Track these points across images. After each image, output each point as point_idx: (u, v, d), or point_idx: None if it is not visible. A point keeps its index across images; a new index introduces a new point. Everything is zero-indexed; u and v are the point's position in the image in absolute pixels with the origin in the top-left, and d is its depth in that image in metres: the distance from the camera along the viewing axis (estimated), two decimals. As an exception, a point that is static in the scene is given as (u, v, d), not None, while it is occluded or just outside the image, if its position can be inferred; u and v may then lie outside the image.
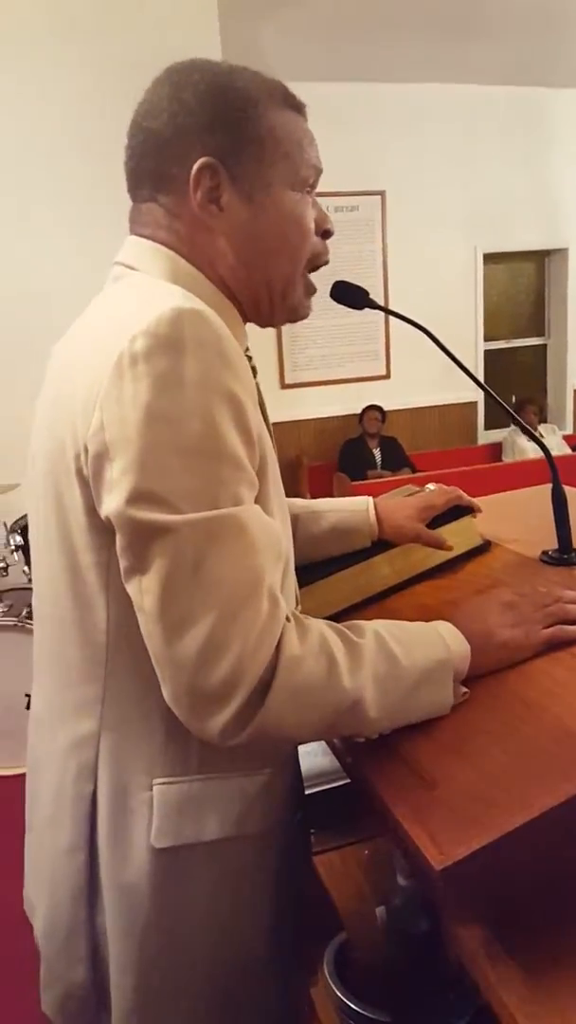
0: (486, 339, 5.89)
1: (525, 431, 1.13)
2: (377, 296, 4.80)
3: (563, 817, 0.62)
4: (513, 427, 5.63)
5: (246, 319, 0.83)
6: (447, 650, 0.74)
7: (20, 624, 2.79)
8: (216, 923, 0.79)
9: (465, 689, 0.76)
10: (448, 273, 5.61)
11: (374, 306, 0.98)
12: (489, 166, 5.52)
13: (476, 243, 5.64)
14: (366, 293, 0.98)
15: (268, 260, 0.79)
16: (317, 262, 0.84)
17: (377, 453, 5.24)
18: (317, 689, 0.67)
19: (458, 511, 1.08)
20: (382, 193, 5.32)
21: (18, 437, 3.64)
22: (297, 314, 0.85)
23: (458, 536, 1.07)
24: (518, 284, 6.09)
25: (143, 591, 0.65)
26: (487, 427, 5.98)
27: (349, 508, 1.06)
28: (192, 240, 0.77)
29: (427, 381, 5.45)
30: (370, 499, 1.07)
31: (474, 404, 5.87)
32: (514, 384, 6.08)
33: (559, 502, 0.98)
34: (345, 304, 0.98)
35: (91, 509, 0.69)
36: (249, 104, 0.75)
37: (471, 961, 0.66)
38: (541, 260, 6.07)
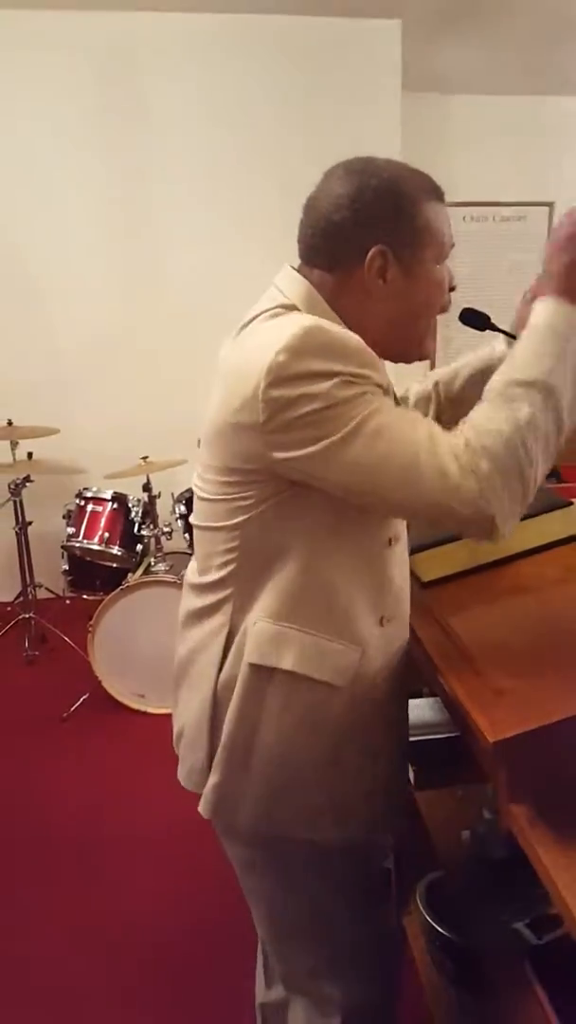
0: None
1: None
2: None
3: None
4: None
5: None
6: (552, 317, 0.95)
7: (179, 582, 3.15)
8: (277, 735, 1.05)
9: None
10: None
11: (496, 329, 1.19)
12: None
13: None
14: (488, 317, 1.19)
15: (414, 319, 1.05)
16: (444, 310, 1.09)
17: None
18: (510, 444, 0.89)
19: (561, 502, 1.28)
20: (551, 204, 5.35)
21: (189, 420, 4.08)
22: (425, 355, 1.10)
23: (562, 523, 1.27)
24: None
25: (357, 492, 0.94)
26: None
27: (477, 357, 1.30)
28: (352, 300, 1.02)
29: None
30: (499, 337, 1.26)
31: None
32: None
33: None
34: (472, 327, 1.20)
35: (233, 461, 0.99)
36: (414, 203, 1.00)
37: (517, 828, 0.88)
38: None
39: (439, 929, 1.52)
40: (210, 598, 1.09)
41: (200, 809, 1.10)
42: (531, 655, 0.96)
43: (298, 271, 1.07)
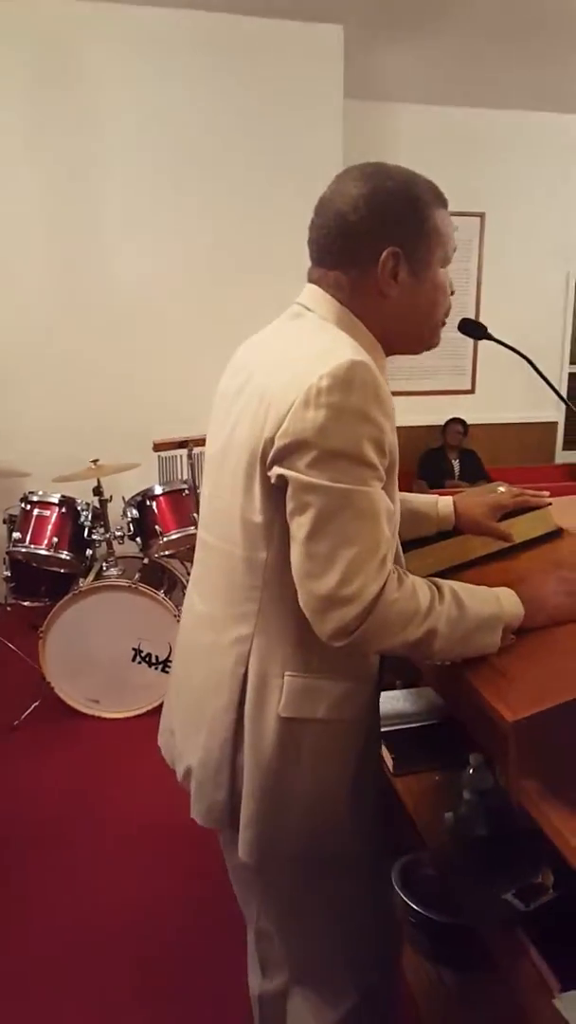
0: (572, 362, 6.06)
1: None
2: (468, 313, 5.13)
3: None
4: (592, 449, 5.80)
5: (390, 353, 1.14)
6: (500, 607, 1.05)
7: (133, 586, 3.15)
8: (313, 778, 1.09)
9: (512, 636, 1.06)
10: (539, 296, 5.83)
11: (494, 339, 1.27)
12: (587, 196, 5.71)
13: (569, 268, 5.84)
14: (485, 328, 1.28)
15: (422, 318, 1.11)
16: (447, 312, 1.15)
17: (456, 464, 5.48)
18: (402, 621, 0.97)
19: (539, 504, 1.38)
20: (482, 215, 5.57)
21: (142, 424, 4.11)
22: (431, 347, 1.17)
23: (536, 523, 1.37)
24: (608, 311, 6.23)
25: (299, 526, 0.96)
26: (565, 447, 6.15)
27: (424, 500, 1.40)
28: (365, 301, 1.07)
29: (510, 398, 5.69)
30: (446, 498, 1.40)
31: (554, 424, 6.06)
32: (596, 407, 6.24)
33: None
34: (469, 335, 1.28)
35: (266, 482, 1.00)
36: (424, 207, 1.06)
37: (528, 801, 0.96)
38: (632, 288, 6.21)
39: (416, 907, 1.59)
40: (226, 635, 1.10)
41: (242, 855, 1.11)
42: (532, 641, 1.04)
43: (317, 282, 1.11)
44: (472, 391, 5.78)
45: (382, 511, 0.97)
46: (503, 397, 5.67)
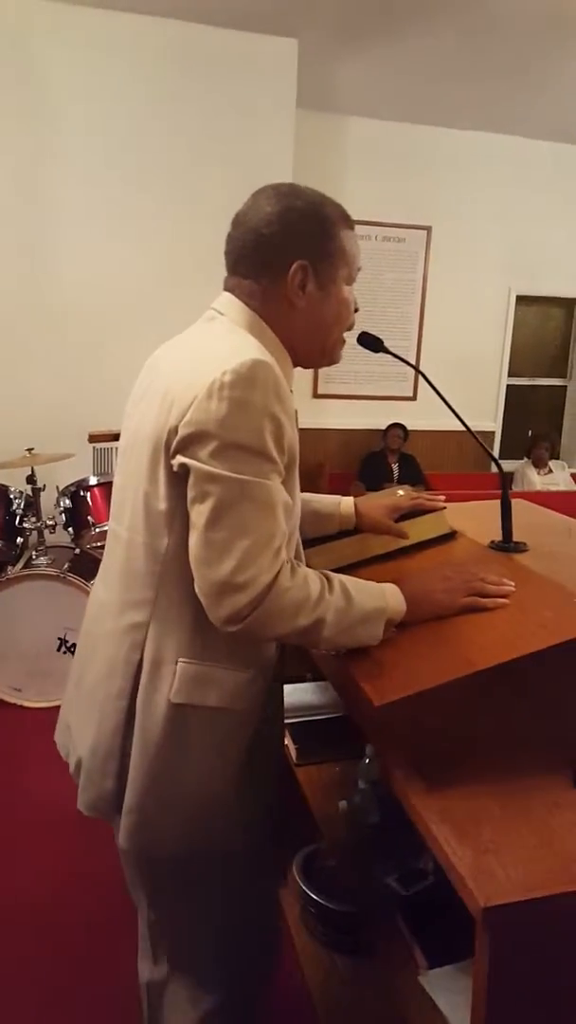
0: (510, 375, 6.24)
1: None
2: (412, 323, 5.21)
3: (459, 693, 0.99)
4: (525, 460, 5.98)
5: (295, 364, 1.20)
6: (385, 602, 1.11)
7: (61, 576, 3.16)
8: (200, 766, 1.11)
9: (394, 629, 1.11)
10: (481, 309, 5.99)
11: (388, 352, 1.34)
12: (529, 214, 5.89)
13: (511, 284, 6.01)
14: (381, 341, 1.35)
15: (327, 330, 1.17)
16: (350, 327, 1.22)
17: (396, 468, 5.60)
18: (292, 609, 1.01)
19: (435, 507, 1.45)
20: (428, 228, 5.70)
21: (78, 415, 4.12)
22: (334, 362, 1.24)
23: (431, 525, 1.45)
24: (546, 327, 6.43)
25: (199, 514, 0.99)
26: (501, 457, 6.32)
27: (327, 500, 1.45)
28: (274, 309, 1.13)
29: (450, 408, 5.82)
30: (348, 498, 1.46)
31: (492, 434, 6.23)
32: (532, 419, 6.43)
33: (505, 505, 1.36)
34: (367, 348, 1.34)
35: (169, 470, 1.03)
36: (333, 227, 1.13)
37: (394, 779, 1.02)
38: (570, 307, 6.41)
39: (315, 897, 1.65)
40: (122, 621, 1.12)
41: (121, 841, 1.12)
42: (413, 634, 1.10)
43: (231, 290, 1.16)
44: (414, 398, 5.91)
45: (278, 503, 1.02)
46: (443, 406, 5.78)
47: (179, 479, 1.03)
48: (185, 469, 1.01)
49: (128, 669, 1.11)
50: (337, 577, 1.10)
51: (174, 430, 1.01)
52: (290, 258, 1.11)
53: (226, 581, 0.98)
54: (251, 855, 1.22)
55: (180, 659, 1.09)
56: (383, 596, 1.12)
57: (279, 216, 1.11)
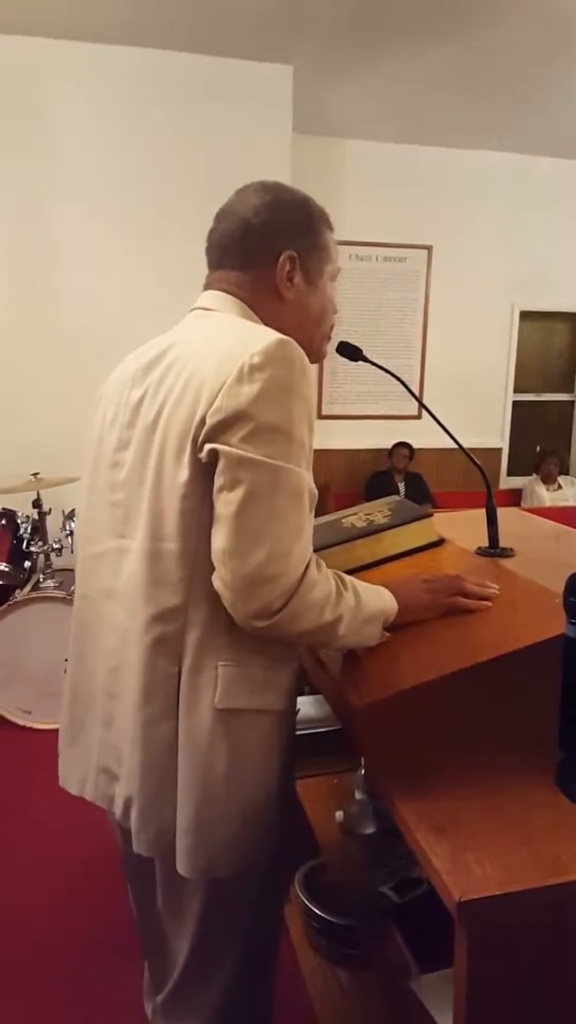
0: (516, 391, 6.26)
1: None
2: (415, 341, 5.23)
3: (441, 693, 1.00)
4: (534, 476, 5.98)
5: None
6: (384, 603, 1.10)
7: (68, 598, 3.18)
8: (254, 774, 1.06)
9: (388, 633, 1.10)
10: (485, 326, 6.03)
11: (369, 361, 1.36)
12: (531, 230, 5.94)
13: (514, 300, 6.05)
14: (360, 350, 1.37)
15: (313, 325, 1.19)
16: (331, 327, 1.24)
17: (402, 487, 5.60)
18: (319, 605, 0.98)
19: (422, 514, 1.46)
20: (429, 248, 5.75)
21: (76, 439, 4.13)
22: (319, 359, 1.23)
23: (420, 533, 1.46)
24: (551, 342, 6.45)
25: (227, 503, 0.94)
26: (509, 474, 6.32)
27: None
28: (264, 300, 1.14)
29: (455, 425, 5.80)
30: None
31: (499, 451, 6.23)
32: (540, 435, 6.43)
33: (491, 511, 1.37)
34: (345, 357, 1.36)
35: (196, 465, 0.98)
36: (318, 222, 1.16)
37: (378, 781, 1.03)
38: (574, 322, 6.44)
39: (317, 911, 1.64)
40: (148, 636, 1.04)
41: (180, 868, 1.05)
42: (391, 638, 1.11)
43: (215, 284, 1.16)
44: (419, 416, 5.92)
45: (307, 492, 0.99)
46: (448, 423, 5.77)
47: (206, 474, 0.98)
48: (213, 457, 0.96)
49: (167, 685, 1.04)
50: (347, 576, 1.08)
51: (202, 421, 0.97)
52: (279, 248, 1.13)
53: (257, 573, 0.93)
54: (275, 868, 1.16)
55: (220, 663, 1.03)
56: (382, 597, 1.11)
57: (268, 206, 1.13)
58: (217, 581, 0.97)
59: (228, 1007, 1.18)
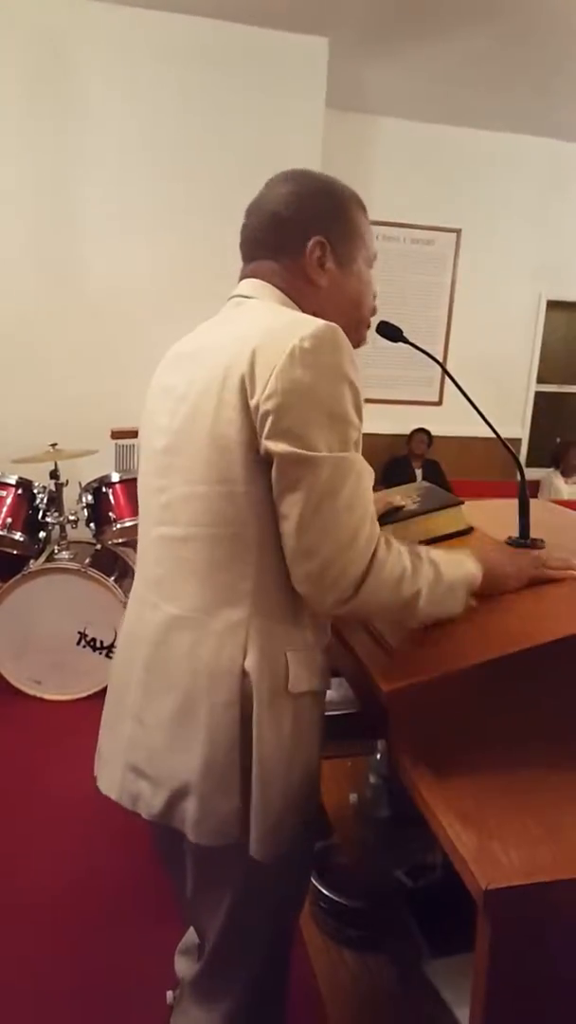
0: (539, 381, 6.19)
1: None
2: (440, 326, 5.16)
3: (470, 682, 0.98)
4: (552, 468, 5.93)
5: None
6: (466, 569, 1.09)
7: (83, 570, 3.18)
8: (309, 755, 1.09)
9: (475, 601, 1.09)
10: (510, 314, 5.95)
11: (409, 343, 1.33)
12: (561, 218, 5.84)
13: (541, 289, 5.96)
14: (400, 331, 1.33)
15: (350, 309, 1.16)
16: (373, 312, 1.21)
17: (419, 473, 5.57)
18: (394, 581, 0.99)
19: (453, 501, 1.44)
20: (458, 232, 5.67)
21: (102, 411, 4.15)
22: (360, 344, 1.19)
23: (449, 520, 1.44)
24: (576, 333, 6.37)
25: (292, 504, 0.95)
26: (528, 465, 6.26)
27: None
28: (299, 287, 1.13)
29: (476, 413, 5.78)
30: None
31: (518, 441, 6.18)
32: (562, 427, 6.36)
33: (523, 502, 1.35)
34: (386, 337, 1.33)
35: (253, 449, 0.97)
36: (346, 206, 1.14)
37: (402, 768, 1.02)
38: (603, 313, 6.35)
39: (326, 892, 1.65)
40: (213, 626, 1.03)
41: (255, 854, 1.04)
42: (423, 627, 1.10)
43: (251, 275, 1.15)
44: (439, 403, 5.88)
45: (365, 474, 1.00)
46: (469, 411, 5.69)
47: (264, 461, 0.97)
48: (271, 454, 0.96)
49: (233, 673, 1.02)
50: (423, 547, 1.07)
51: (255, 408, 0.96)
52: (308, 233, 1.11)
53: (328, 566, 0.95)
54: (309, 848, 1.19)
55: (287, 649, 1.04)
56: (463, 564, 1.10)
57: (294, 195, 1.12)
58: (292, 575, 0.99)
59: (258, 978, 1.20)
